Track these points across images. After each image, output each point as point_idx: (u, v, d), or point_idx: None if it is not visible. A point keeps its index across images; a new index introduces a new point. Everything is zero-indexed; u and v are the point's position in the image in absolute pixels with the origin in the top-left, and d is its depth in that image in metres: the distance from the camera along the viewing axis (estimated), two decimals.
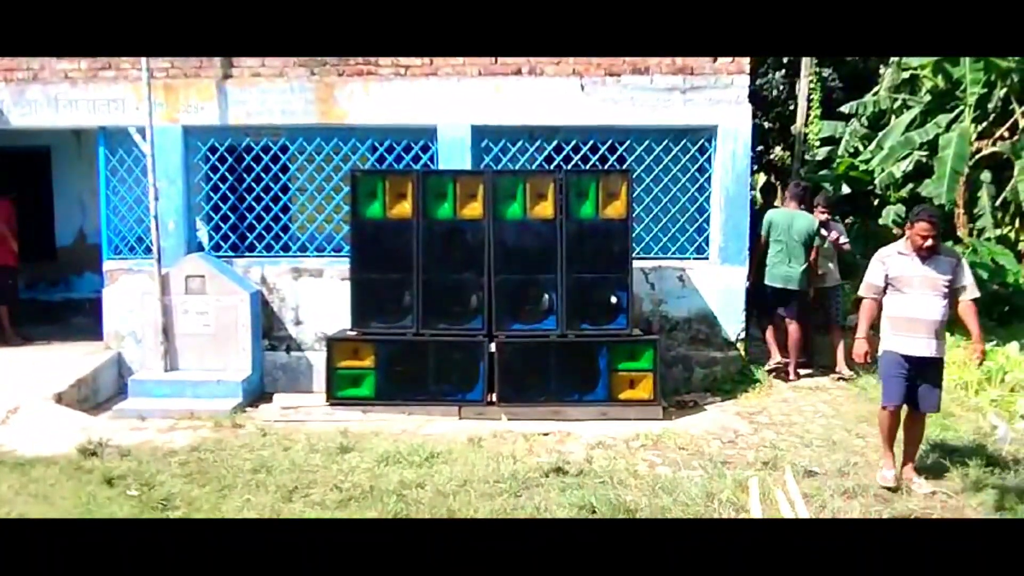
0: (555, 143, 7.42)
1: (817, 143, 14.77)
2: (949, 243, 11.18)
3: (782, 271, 7.27)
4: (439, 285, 6.52)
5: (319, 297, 7.26)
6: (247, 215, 7.45)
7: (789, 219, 7.33)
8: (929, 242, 4.76)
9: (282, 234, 7.49)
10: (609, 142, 7.34)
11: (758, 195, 15.75)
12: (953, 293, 4.83)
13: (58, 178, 9.58)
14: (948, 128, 10.77)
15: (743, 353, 7.32)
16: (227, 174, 7.39)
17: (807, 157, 14.91)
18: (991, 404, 6.47)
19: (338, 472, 5.05)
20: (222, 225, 7.46)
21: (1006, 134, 10.82)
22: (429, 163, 7.35)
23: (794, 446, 5.66)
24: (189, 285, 6.94)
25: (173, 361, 6.94)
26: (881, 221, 12.91)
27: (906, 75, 12.34)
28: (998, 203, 10.79)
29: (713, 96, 7.10)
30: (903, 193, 12.35)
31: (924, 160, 11.53)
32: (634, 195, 6.73)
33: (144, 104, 6.92)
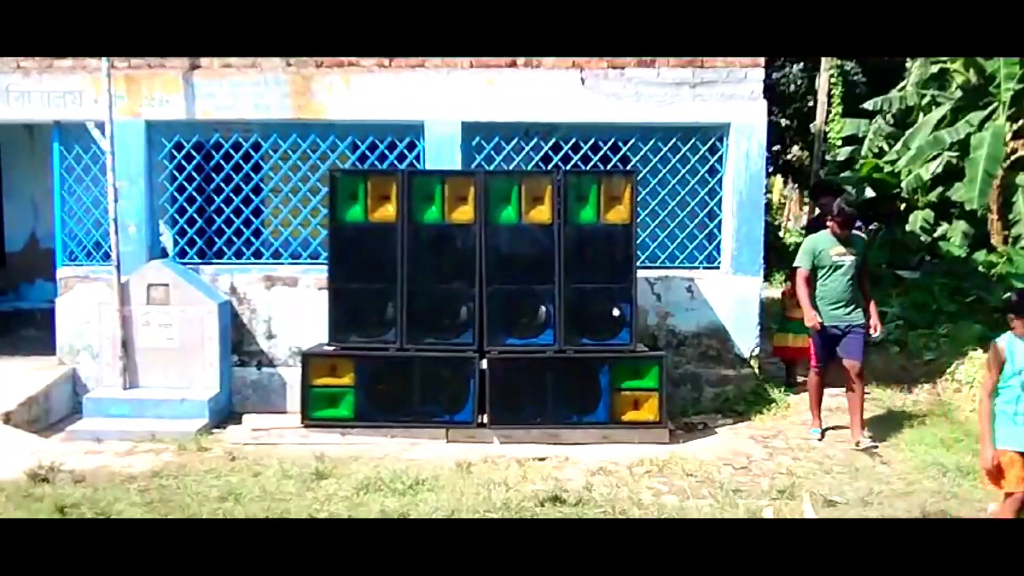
0: (553, 141, 7.45)
1: (839, 142, 14.87)
2: (982, 252, 11.29)
3: None
4: (425, 296, 6.52)
5: (294, 308, 7.25)
6: (215, 218, 7.45)
7: None
8: None
9: (254, 239, 7.50)
10: (612, 141, 7.37)
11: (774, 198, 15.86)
12: None
13: (8, 177, 9.56)
14: (981, 127, 10.87)
15: (757, 371, 7.34)
16: (194, 173, 7.39)
17: (828, 157, 15.03)
18: None
19: (313, 501, 5.05)
20: (188, 229, 7.46)
21: None
22: (415, 162, 7.37)
23: (813, 473, 5.68)
24: (151, 295, 6.93)
25: (133, 378, 6.93)
26: (908, 227, 12.98)
27: (935, 69, 12.45)
28: None
29: (725, 91, 7.15)
30: (932, 197, 12.44)
31: (955, 161, 11.63)
32: (639, 198, 6.77)
33: (104, 97, 6.93)
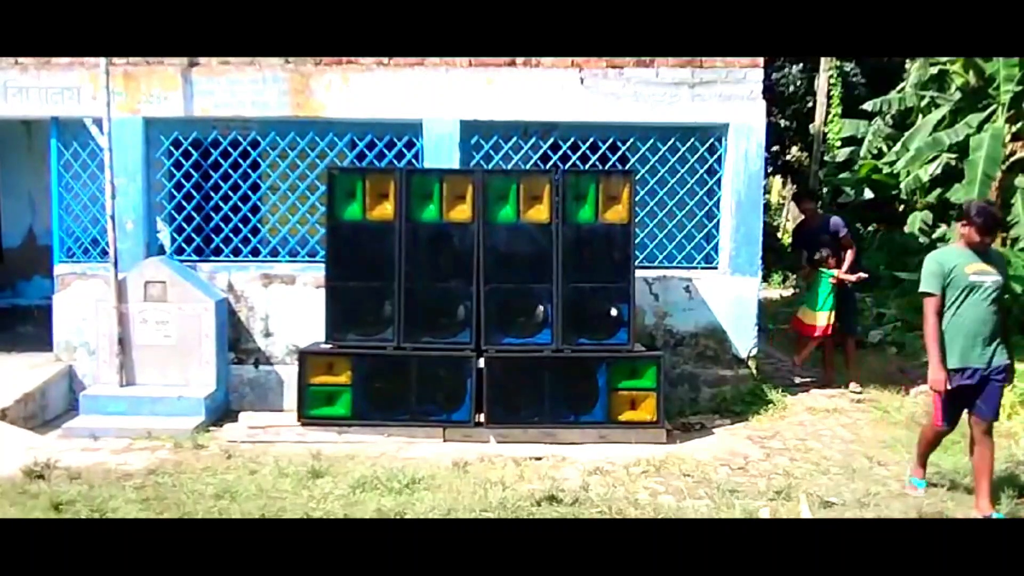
0: (551, 141, 7.45)
1: (837, 143, 14.88)
2: None
3: None
4: (423, 294, 6.52)
5: (291, 306, 7.25)
6: (213, 216, 7.45)
7: None
8: None
9: (251, 237, 7.49)
10: (610, 140, 7.37)
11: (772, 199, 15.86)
12: None
13: (6, 173, 9.55)
14: (980, 128, 10.86)
15: (755, 371, 7.34)
16: (192, 170, 7.38)
17: (826, 158, 15.04)
18: None
19: (309, 499, 5.04)
20: (185, 226, 7.45)
21: None
22: (413, 161, 7.37)
23: (810, 474, 5.68)
24: (148, 292, 6.92)
25: (130, 375, 6.92)
26: (907, 229, 13.00)
27: (934, 71, 12.45)
28: None
29: (724, 91, 7.15)
30: (930, 199, 12.44)
31: (953, 163, 11.63)
32: (637, 198, 6.76)
33: (102, 93, 6.91)
